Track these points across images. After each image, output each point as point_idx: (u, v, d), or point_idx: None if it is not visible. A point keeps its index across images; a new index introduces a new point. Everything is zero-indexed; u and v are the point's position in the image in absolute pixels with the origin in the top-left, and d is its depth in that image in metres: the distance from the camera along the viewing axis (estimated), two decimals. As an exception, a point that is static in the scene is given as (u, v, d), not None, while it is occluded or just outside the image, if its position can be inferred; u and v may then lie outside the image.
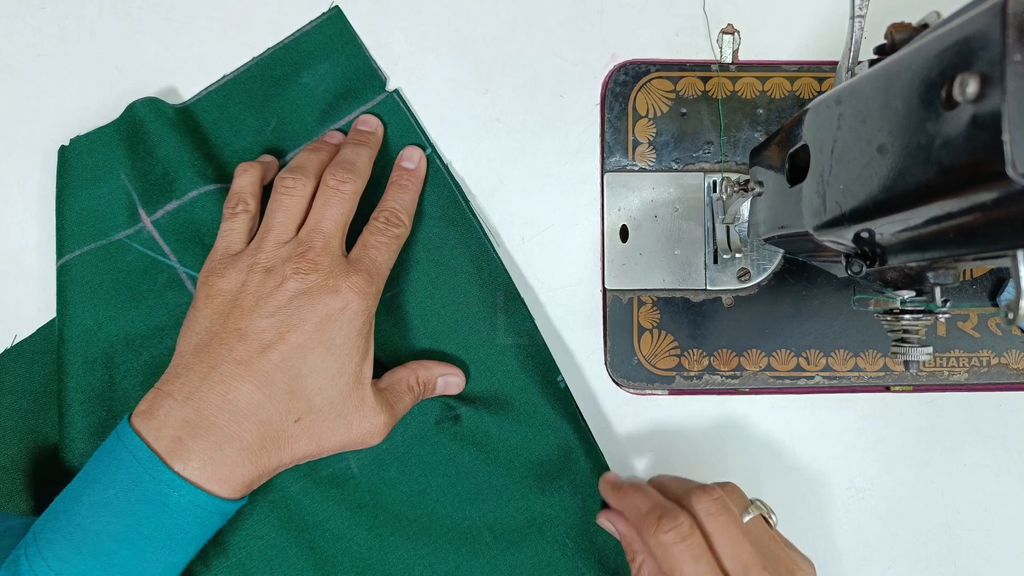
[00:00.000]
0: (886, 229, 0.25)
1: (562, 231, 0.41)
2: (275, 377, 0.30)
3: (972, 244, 0.21)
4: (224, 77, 0.40)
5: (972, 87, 0.18)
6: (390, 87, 0.40)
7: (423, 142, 0.39)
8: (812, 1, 0.41)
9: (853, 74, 0.28)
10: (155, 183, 0.38)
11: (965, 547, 0.40)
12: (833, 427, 0.40)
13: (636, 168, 0.41)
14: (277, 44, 0.40)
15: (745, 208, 0.37)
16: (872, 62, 0.26)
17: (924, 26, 0.25)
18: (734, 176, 0.39)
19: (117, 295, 0.37)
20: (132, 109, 0.38)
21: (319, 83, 0.40)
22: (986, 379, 0.40)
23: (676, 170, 0.41)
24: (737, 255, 0.40)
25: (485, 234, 0.39)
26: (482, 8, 0.41)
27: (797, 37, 0.41)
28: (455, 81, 0.41)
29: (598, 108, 0.41)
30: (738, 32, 0.41)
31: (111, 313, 0.37)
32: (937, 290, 0.28)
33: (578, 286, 0.40)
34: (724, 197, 0.36)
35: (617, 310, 0.40)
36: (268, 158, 0.39)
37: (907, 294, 0.29)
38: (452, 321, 0.39)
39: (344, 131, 0.40)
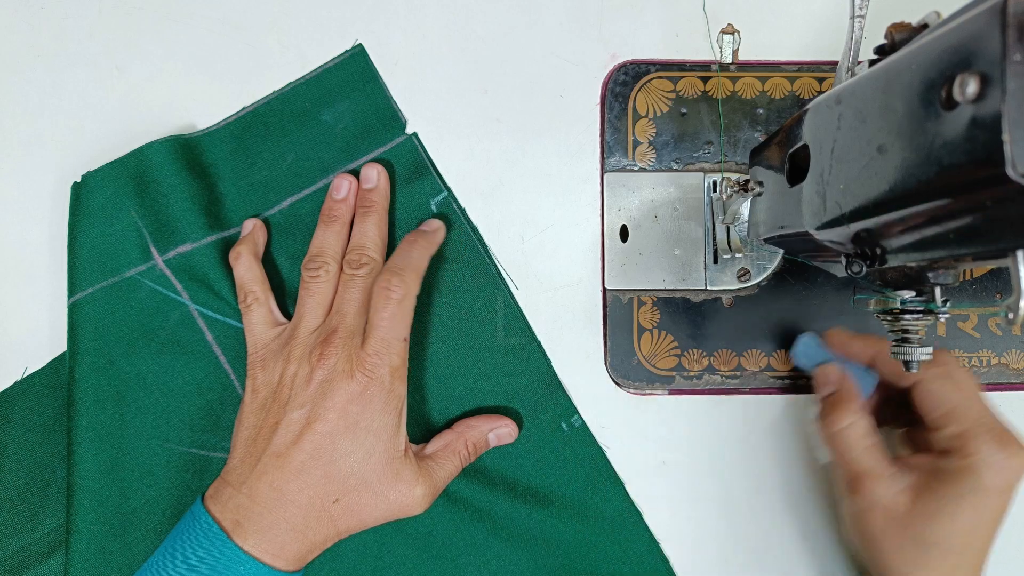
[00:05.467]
0: (886, 229, 0.25)
1: (562, 231, 0.41)
2: (309, 465, 0.33)
3: (972, 244, 0.21)
4: (244, 109, 0.40)
5: (972, 87, 0.18)
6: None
7: (439, 186, 0.39)
8: (812, 1, 0.41)
9: (853, 74, 0.28)
10: (167, 224, 0.38)
11: (965, 547, 0.40)
12: (833, 427, 0.40)
13: (636, 168, 0.41)
14: (298, 79, 0.40)
15: (745, 208, 0.37)
16: (872, 62, 0.26)
17: (924, 26, 0.25)
18: (734, 176, 0.39)
19: (129, 332, 0.38)
20: (146, 148, 0.38)
21: (338, 120, 0.40)
22: (986, 379, 0.40)
23: (676, 170, 0.41)
24: (737, 255, 0.40)
25: (501, 277, 0.40)
26: (482, 8, 0.41)
27: (797, 37, 0.41)
28: (455, 81, 0.41)
29: (598, 108, 0.41)
30: (738, 32, 0.41)
31: (123, 351, 0.37)
32: (937, 290, 0.28)
33: (578, 286, 0.40)
34: (724, 197, 0.36)
35: (617, 310, 0.40)
36: (250, 226, 0.38)
37: (907, 294, 0.29)
38: (465, 364, 0.39)
39: (357, 173, 0.39)
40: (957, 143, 0.19)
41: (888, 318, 0.30)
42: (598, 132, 0.41)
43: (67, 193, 0.40)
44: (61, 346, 0.39)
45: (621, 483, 0.39)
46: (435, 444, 0.37)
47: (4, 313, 0.40)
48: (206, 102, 0.41)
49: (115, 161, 0.38)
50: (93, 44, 0.41)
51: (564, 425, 0.39)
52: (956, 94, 0.19)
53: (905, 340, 0.30)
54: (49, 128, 0.41)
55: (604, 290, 0.40)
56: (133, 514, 0.37)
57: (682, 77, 0.41)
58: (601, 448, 0.39)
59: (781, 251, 0.40)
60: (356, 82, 0.40)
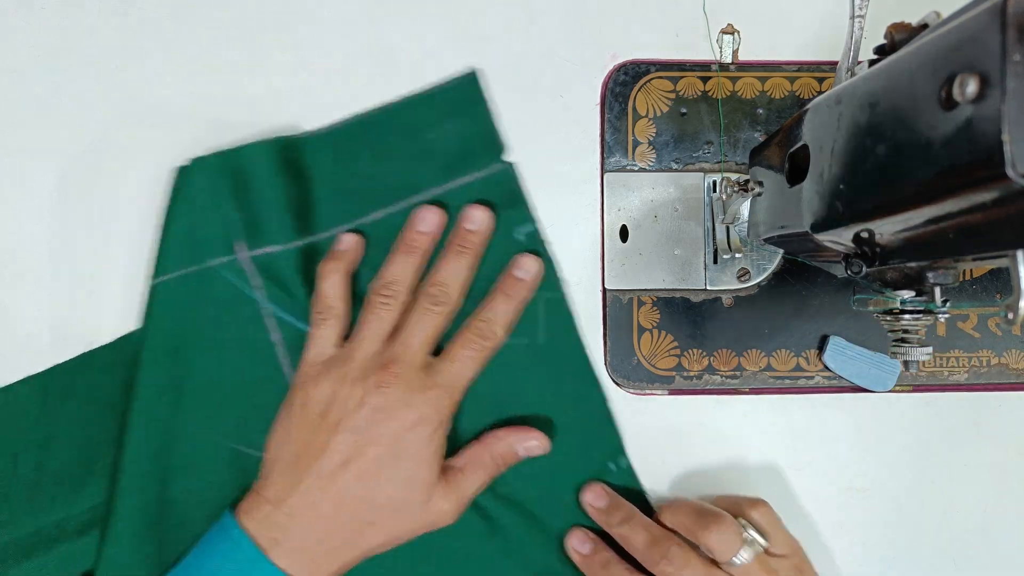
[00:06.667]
0: (886, 229, 0.25)
1: (562, 231, 0.41)
2: (353, 489, 0.33)
3: (972, 244, 0.21)
4: (350, 116, 0.40)
5: (972, 87, 0.18)
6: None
7: (529, 217, 0.39)
8: (812, 1, 0.41)
9: (853, 74, 0.28)
10: (258, 223, 0.38)
11: (965, 547, 0.40)
12: (833, 427, 0.40)
13: (636, 168, 0.41)
14: (408, 96, 0.40)
15: (745, 208, 0.37)
16: (872, 62, 0.26)
17: (924, 26, 0.25)
18: (734, 176, 0.39)
19: (200, 322, 0.38)
20: (252, 147, 0.38)
21: (441, 140, 0.39)
22: (986, 379, 0.40)
23: (676, 170, 0.41)
24: (737, 255, 0.40)
25: (572, 316, 0.39)
26: (482, 8, 0.41)
27: (797, 37, 0.41)
28: (455, 81, 0.41)
29: (598, 108, 0.41)
30: (738, 32, 0.41)
31: (191, 340, 0.38)
32: (937, 290, 0.28)
33: (578, 286, 0.40)
34: (724, 197, 0.36)
35: (617, 310, 0.40)
36: (350, 242, 0.38)
37: (907, 294, 0.29)
38: (515, 394, 0.39)
39: (448, 199, 0.39)
40: (957, 143, 0.19)
41: (888, 318, 0.30)
42: (598, 132, 0.41)
43: (66, 193, 0.40)
44: (127, 326, 0.39)
45: None
46: (463, 458, 0.37)
47: (14, 306, 0.40)
48: (206, 102, 0.41)
49: (220, 152, 0.38)
50: (93, 44, 0.41)
51: (612, 465, 0.39)
52: (956, 94, 0.19)
53: (905, 340, 0.30)
54: (49, 128, 0.41)
55: (604, 290, 0.40)
56: (172, 503, 0.37)
57: (682, 77, 0.41)
58: (645, 493, 0.39)
59: (781, 251, 0.40)
60: (465, 105, 0.39)
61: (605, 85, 0.41)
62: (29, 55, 0.41)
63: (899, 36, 0.25)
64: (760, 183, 0.34)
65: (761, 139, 0.40)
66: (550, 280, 0.39)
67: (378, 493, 0.34)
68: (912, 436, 0.40)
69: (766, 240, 0.35)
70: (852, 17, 0.29)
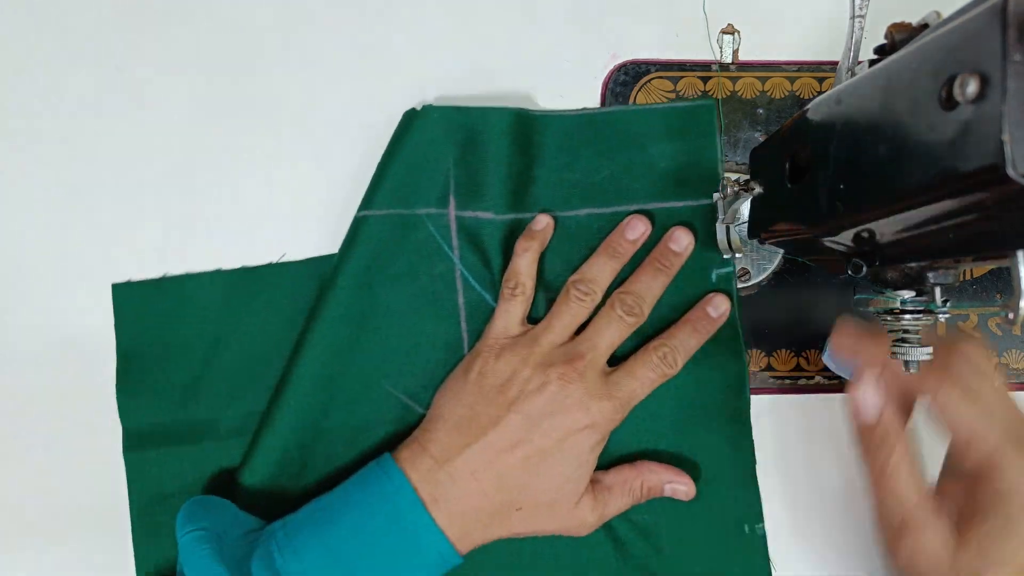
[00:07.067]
0: (886, 229, 0.25)
1: (562, 231, 0.41)
2: (514, 472, 0.34)
3: (972, 244, 0.21)
4: (583, 109, 0.40)
5: (972, 87, 0.18)
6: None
7: (728, 259, 0.39)
8: (812, 1, 0.41)
9: (853, 74, 0.28)
10: (477, 186, 0.38)
11: (965, 547, 0.40)
12: (833, 427, 0.40)
13: (636, 168, 0.41)
14: (643, 105, 0.40)
15: (745, 208, 0.37)
16: (872, 62, 0.26)
17: (924, 26, 0.25)
18: (734, 176, 0.39)
19: (396, 266, 0.38)
20: (491, 111, 0.38)
21: (662, 159, 0.39)
22: (986, 379, 0.40)
23: (676, 170, 0.41)
24: (737, 255, 0.40)
25: (746, 363, 0.39)
26: (482, 8, 0.41)
27: (797, 37, 0.41)
28: (455, 81, 0.41)
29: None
30: (738, 32, 0.41)
31: (384, 280, 0.38)
32: (937, 290, 0.28)
33: (578, 286, 0.40)
34: (724, 197, 0.36)
35: (617, 310, 0.40)
36: (545, 223, 0.38)
37: (907, 294, 0.29)
38: (673, 428, 0.38)
39: (654, 215, 0.39)
40: (957, 143, 0.19)
41: (888, 318, 0.30)
42: (598, 132, 0.41)
43: (66, 194, 0.40)
44: (317, 251, 0.40)
45: None
46: (614, 477, 0.37)
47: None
48: (206, 102, 0.41)
49: (457, 108, 0.38)
50: (93, 44, 0.41)
51: (747, 528, 0.38)
52: (956, 94, 0.19)
53: (905, 340, 0.30)
54: (49, 128, 0.41)
55: (604, 290, 0.40)
56: (325, 433, 0.38)
57: (682, 77, 0.41)
58: (770, 565, 0.38)
59: (781, 251, 0.40)
60: (696, 131, 0.39)
61: (605, 85, 0.41)
62: (29, 55, 0.41)
63: (899, 36, 0.25)
64: (760, 183, 0.34)
65: (761, 139, 0.40)
66: (732, 326, 0.38)
67: (535, 483, 0.34)
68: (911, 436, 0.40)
69: (766, 240, 0.35)
70: (852, 17, 0.29)
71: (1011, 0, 0.17)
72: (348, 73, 0.41)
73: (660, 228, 0.39)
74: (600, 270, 0.37)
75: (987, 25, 0.18)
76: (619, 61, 0.41)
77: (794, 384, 0.40)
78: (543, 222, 0.38)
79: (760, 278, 0.40)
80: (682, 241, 0.38)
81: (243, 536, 0.33)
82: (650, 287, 0.37)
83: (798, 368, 0.40)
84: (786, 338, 0.40)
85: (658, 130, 0.39)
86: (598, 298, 0.37)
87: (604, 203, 0.39)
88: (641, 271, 0.38)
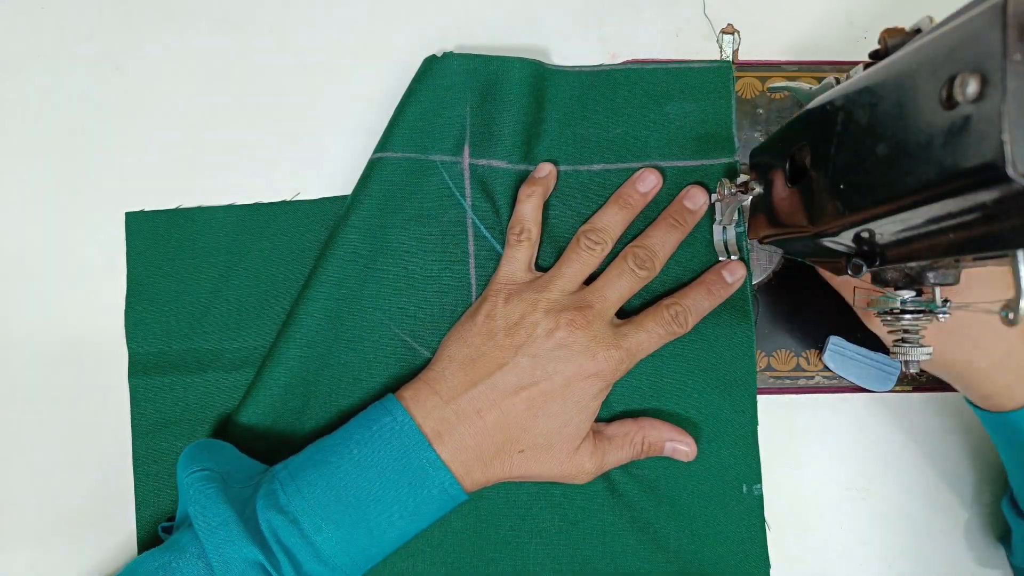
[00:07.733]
0: (886, 229, 0.25)
1: (562, 231, 0.41)
2: (517, 411, 0.34)
3: (972, 244, 0.21)
4: (601, 65, 0.40)
5: (972, 87, 0.18)
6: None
7: (740, 219, 0.39)
8: (812, 1, 0.41)
9: (848, 77, 0.28)
10: (492, 135, 0.39)
11: (965, 547, 0.40)
12: (833, 427, 0.40)
13: (636, 168, 0.41)
14: (660, 64, 0.40)
15: (745, 208, 0.37)
16: (867, 66, 0.26)
17: (917, 31, 0.25)
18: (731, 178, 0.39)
19: (408, 209, 0.39)
20: (510, 62, 0.38)
21: (679, 117, 0.39)
22: (986, 379, 0.40)
23: (676, 170, 0.41)
24: (732, 257, 0.40)
25: (754, 323, 0.39)
26: (482, 8, 0.41)
27: (797, 37, 0.41)
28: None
29: (598, 108, 0.41)
30: (738, 32, 0.41)
31: (396, 221, 0.38)
32: (937, 290, 0.28)
33: (578, 286, 0.40)
34: (724, 197, 0.36)
35: (617, 310, 0.40)
36: (548, 170, 0.38)
37: (907, 294, 0.29)
38: (676, 387, 0.39)
39: (668, 173, 0.39)
40: (957, 143, 0.19)
41: (888, 318, 0.30)
42: (598, 132, 0.41)
43: (65, 194, 0.41)
44: (335, 191, 0.41)
45: (768, 565, 0.38)
46: (616, 428, 0.37)
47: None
48: (206, 102, 0.41)
49: (476, 56, 0.39)
50: (93, 44, 0.41)
51: (745, 488, 0.38)
52: (956, 94, 0.19)
53: (905, 340, 0.30)
54: (49, 128, 0.41)
55: (604, 290, 0.40)
56: (329, 369, 0.38)
57: (682, 77, 0.41)
58: (765, 524, 0.38)
59: (781, 251, 0.40)
60: (711, 92, 0.39)
61: (605, 85, 0.41)
62: (29, 55, 0.41)
63: (892, 41, 0.25)
64: (760, 183, 0.34)
65: (761, 139, 0.40)
66: (742, 289, 0.38)
67: (537, 426, 0.34)
68: (912, 436, 0.40)
69: (766, 240, 0.35)
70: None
71: (1011, 0, 0.17)
72: (347, 73, 0.41)
73: (674, 186, 0.39)
74: (611, 220, 0.37)
75: (987, 25, 0.18)
76: (619, 61, 0.41)
77: (794, 384, 0.40)
78: (545, 170, 0.39)
79: (760, 278, 0.40)
80: (698, 199, 0.38)
81: (247, 479, 0.34)
82: (664, 243, 0.37)
83: (798, 368, 0.40)
84: (786, 338, 0.40)
85: (674, 89, 0.39)
86: (608, 248, 0.37)
87: (618, 159, 0.39)
88: (655, 226, 0.38)
